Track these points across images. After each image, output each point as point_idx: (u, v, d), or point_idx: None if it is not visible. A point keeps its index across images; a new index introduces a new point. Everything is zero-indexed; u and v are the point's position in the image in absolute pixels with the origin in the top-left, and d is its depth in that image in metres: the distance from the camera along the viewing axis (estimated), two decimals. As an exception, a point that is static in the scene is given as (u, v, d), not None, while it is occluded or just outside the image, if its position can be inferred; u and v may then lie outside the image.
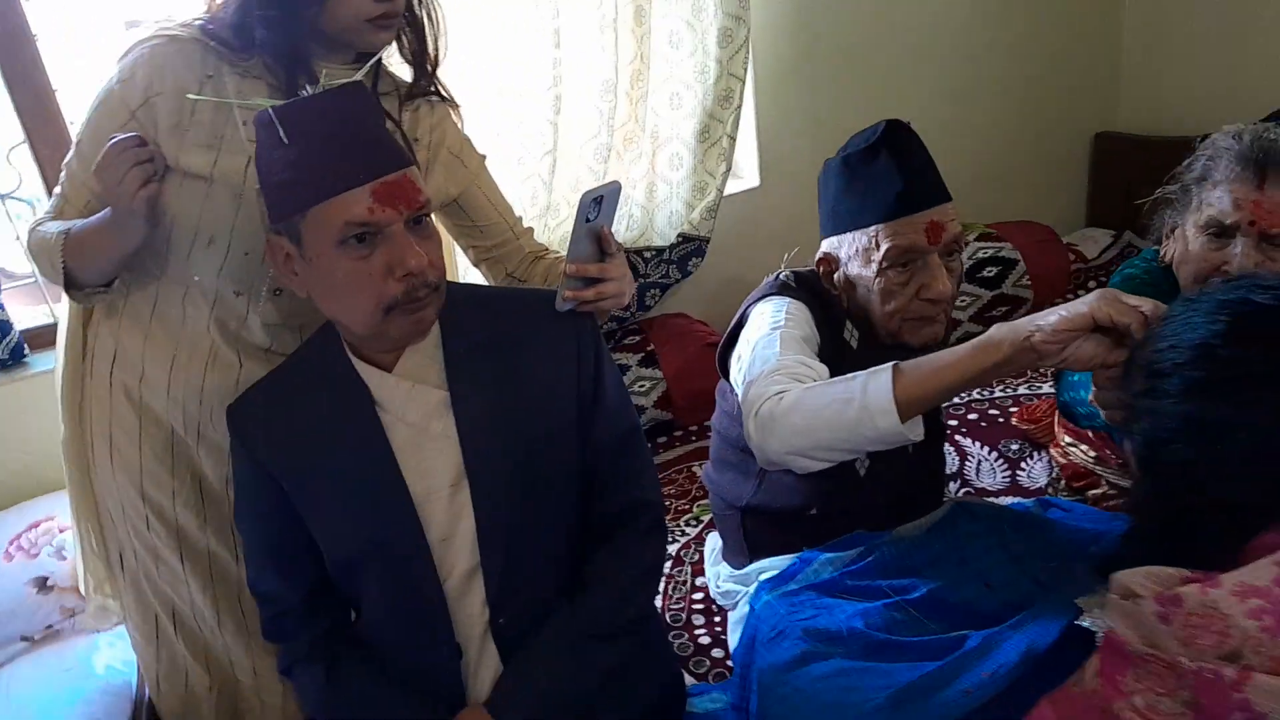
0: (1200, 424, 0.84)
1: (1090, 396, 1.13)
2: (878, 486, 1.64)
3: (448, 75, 1.51)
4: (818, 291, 1.55)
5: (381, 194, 1.09)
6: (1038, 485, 2.19)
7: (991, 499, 2.14)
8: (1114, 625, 0.85)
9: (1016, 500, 2.04)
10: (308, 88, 1.12)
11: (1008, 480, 2.23)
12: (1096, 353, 1.05)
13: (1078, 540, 1.59)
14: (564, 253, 1.57)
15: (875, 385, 1.16)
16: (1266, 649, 0.74)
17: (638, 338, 2.62)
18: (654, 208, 2.63)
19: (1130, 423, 0.92)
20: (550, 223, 2.46)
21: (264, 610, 1.34)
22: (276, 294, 1.41)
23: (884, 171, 1.45)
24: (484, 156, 1.58)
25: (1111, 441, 1.81)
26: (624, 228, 2.60)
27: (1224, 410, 0.82)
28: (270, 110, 1.09)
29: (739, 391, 1.42)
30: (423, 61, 1.44)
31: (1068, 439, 2.04)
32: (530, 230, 1.64)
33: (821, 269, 1.57)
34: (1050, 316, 1.08)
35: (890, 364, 1.17)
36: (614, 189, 1.26)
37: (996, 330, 1.12)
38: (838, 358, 1.46)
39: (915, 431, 1.18)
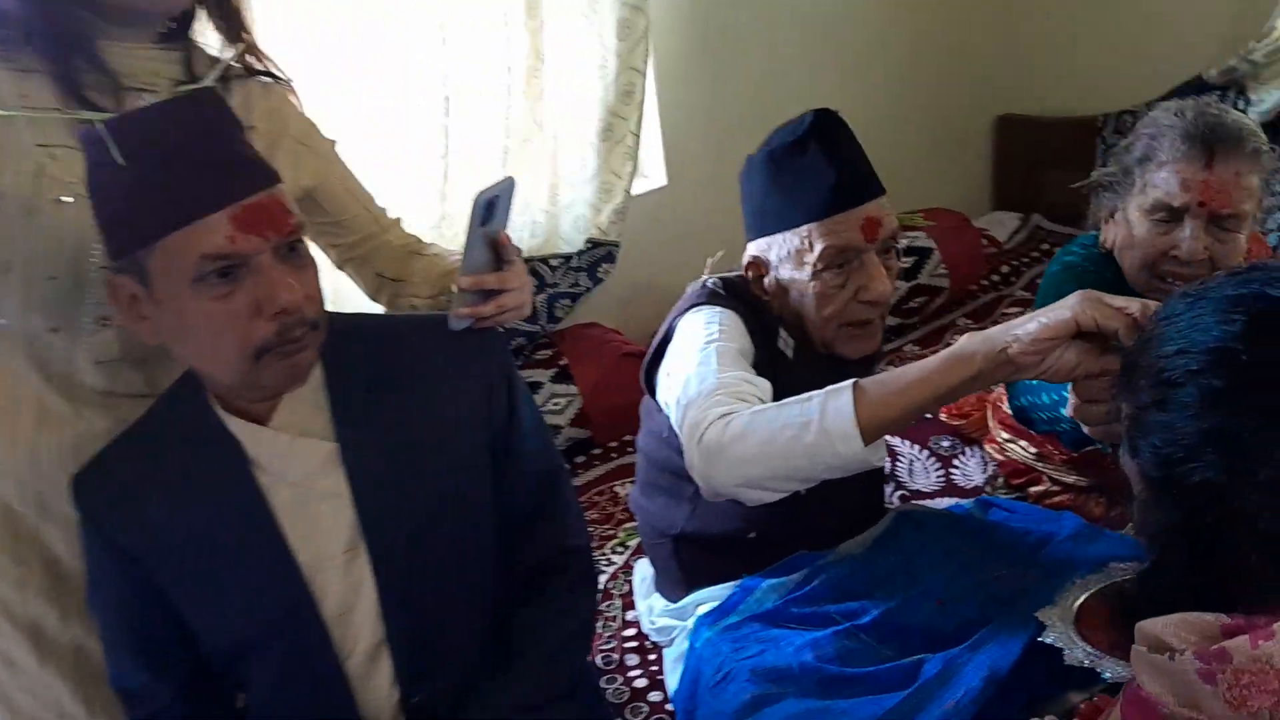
0: (1227, 440, 0.73)
1: (1069, 409, 1.04)
2: (820, 503, 1.53)
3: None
4: (748, 299, 1.45)
5: (243, 219, 0.94)
6: (974, 484, 2.13)
7: (928, 501, 2.08)
8: (1142, 683, 0.74)
9: (955, 502, 1.98)
10: (134, 96, 0.93)
11: (942, 480, 2.17)
12: (1080, 362, 0.97)
13: (1026, 545, 1.54)
14: (445, 248, 1.41)
15: (835, 407, 1.05)
16: None
17: (549, 352, 2.49)
18: (558, 212, 2.50)
19: (1135, 439, 0.81)
20: (446, 233, 2.31)
21: (132, 711, 1.17)
22: (104, 324, 1.20)
23: (814, 165, 1.35)
24: (334, 142, 1.40)
25: (1054, 438, 1.74)
26: (527, 234, 2.47)
27: (1255, 423, 0.72)
28: (101, 125, 0.92)
29: (670, 412, 1.31)
30: (236, 29, 1.23)
31: (1004, 434, 1.97)
32: (398, 221, 1.46)
33: (750, 274, 1.47)
34: (1028, 324, 0.98)
35: (850, 382, 1.07)
36: (508, 186, 1.13)
37: (968, 341, 1.02)
38: (773, 370, 1.36)
39: (878, 456, 1.09)
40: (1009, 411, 1.92)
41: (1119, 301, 0.95)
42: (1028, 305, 2.90)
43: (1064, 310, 0.96)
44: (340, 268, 1.45)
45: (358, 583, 1.10)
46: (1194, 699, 0.69)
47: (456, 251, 1.37)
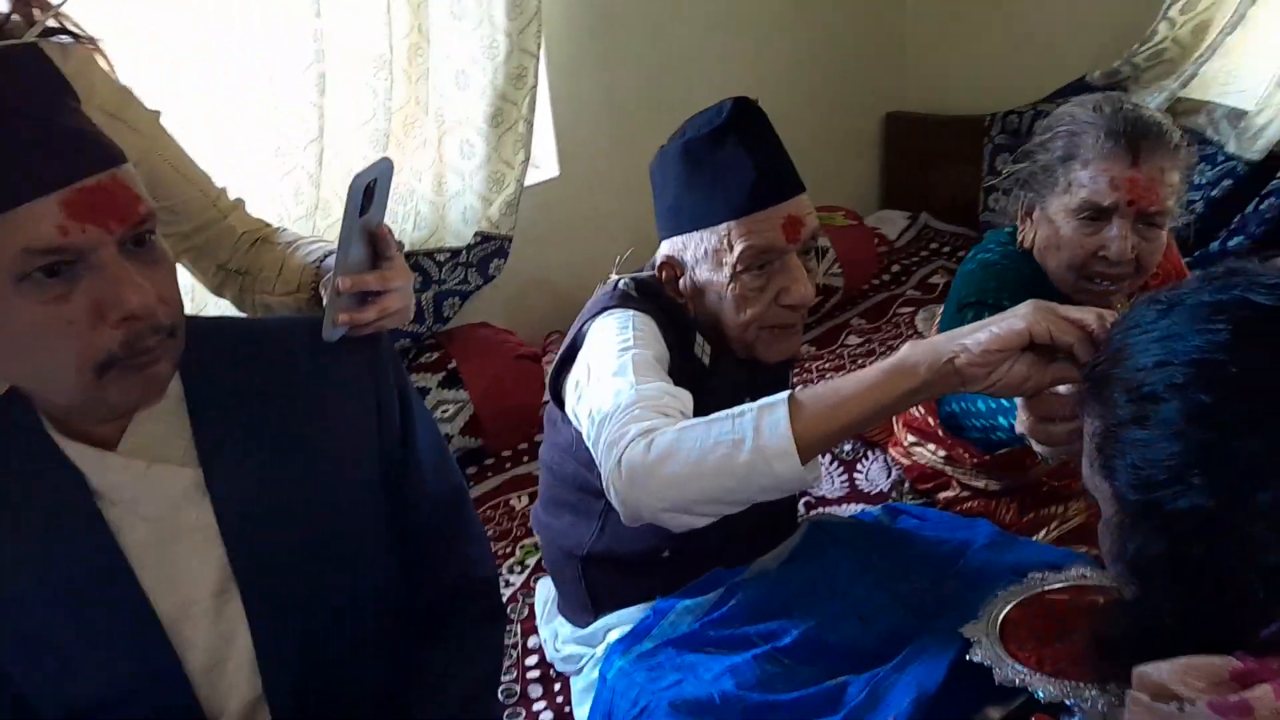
0: (1217, 461, 0.67)
1: (1021, 427, 0.97)
2: (736, 516, 1.46)
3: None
4: (662, 301, 1.35)
5: (78, 205, 0.78)
6: (878, 489, 2.12)
7: (834, 509, 2.05)
8: None
9: (862, 509, 1.95)
10: None
11: (846, 486, 2.15)
12: (1030, 376, 0.90)
13: (942, 555, 1.51)
14: (298, 233, 1.25)
15: (770, 423, 0.97)
16: None
17: (435, 355, 2.35)
18: (445, 203, 2.35)
19: (1111, 458, 0.74)
20: (320, 223, 2.14)
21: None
22: None
23: (733, 159, 1.27)
24: (157, 113, 1.22)
25: (965, 441, 1.70)
26: (411, 226, 2.32)
27: (1249, 442, 0.65)
28: None
29: (581, 425, 1.22)
30: None
31: (911, 438, 1.94)
32: (241, 203, 1.28)
33: (664, 274, 1.37)
34: (978, 334, 0.91)
35: (784, 395, 0.99)
36: (385, 169, 0.98)
37: (910, 351, 0.94)
38: (690, 377, 1.28)
39: (814, 475, 1.00)
40: (917, 415, 1.88)
41: (1074, 313, 0.89)
42: (920, 304, 2.92)
43: (1016, 320, 0.90)
44: (176, 260, 1.26)
45: (229, 631, 0.97)
46: None
47: (312, 239, 1.21)
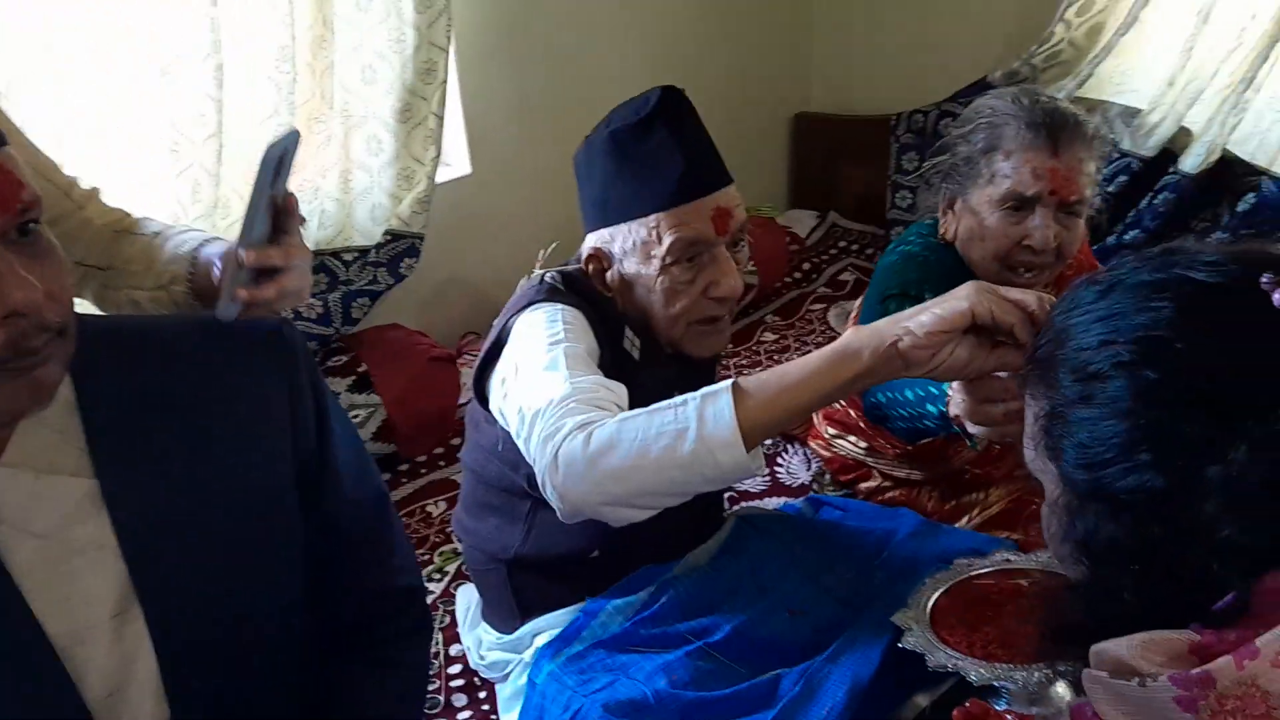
0: (1166, 439, 0.67)
1: (958, 409, 0.97)
2: (666, 512, 1.45)
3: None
4: (590, 295, 1.33)
5: None
6: (800, 481, 2.13)
7: (757, 502, 2.05)
8: (1102, 712, 0.66)
9: (785, 501, 1.96)
10: None
11: (768, 479, 2.16)
12: (974, 358, 0.90)
13: (868, 545, 1.53)
14: (163, 222, 1.16)
15: (713, 412, 0.95)
16: None
17: (344, 358, 2.26)
18: (351, 200, 2.27)
19: (1057, 439, 0.74)
20: (220, 222, 2.05)
21: None
22: None
23: (661, 149, 1.26)
24: None
25: (887, 432, 1.71)
26: (316, 225, 2.23)
27: (1198, 419, 0.66)
28: None
29: (510, 423, 1.18)
30: None
31: (831, 430, 1.95)
32: (96, 192, 1.19)
33: (590, 268, 1.35)
34: (921, 316, 0.91)
35: (727, 384, 0.98)
36: (293, 140, 0.94)
37: (854, 336, 0.94)
38: (620, 372, 1.26)
39: (758, 464, 0.99)
40: (838, 407, 1.89)
41: (1014, 294, 0.89)
42: (830, 301, 2.96)
43: (959, 302, 0.90)
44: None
45: (131, 654, 0.89)
46: None
47: (182, 227, 1.13)
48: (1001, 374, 0.92)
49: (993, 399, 0.94)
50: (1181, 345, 0.67)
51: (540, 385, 1.11)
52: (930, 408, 1.25)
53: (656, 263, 1.27)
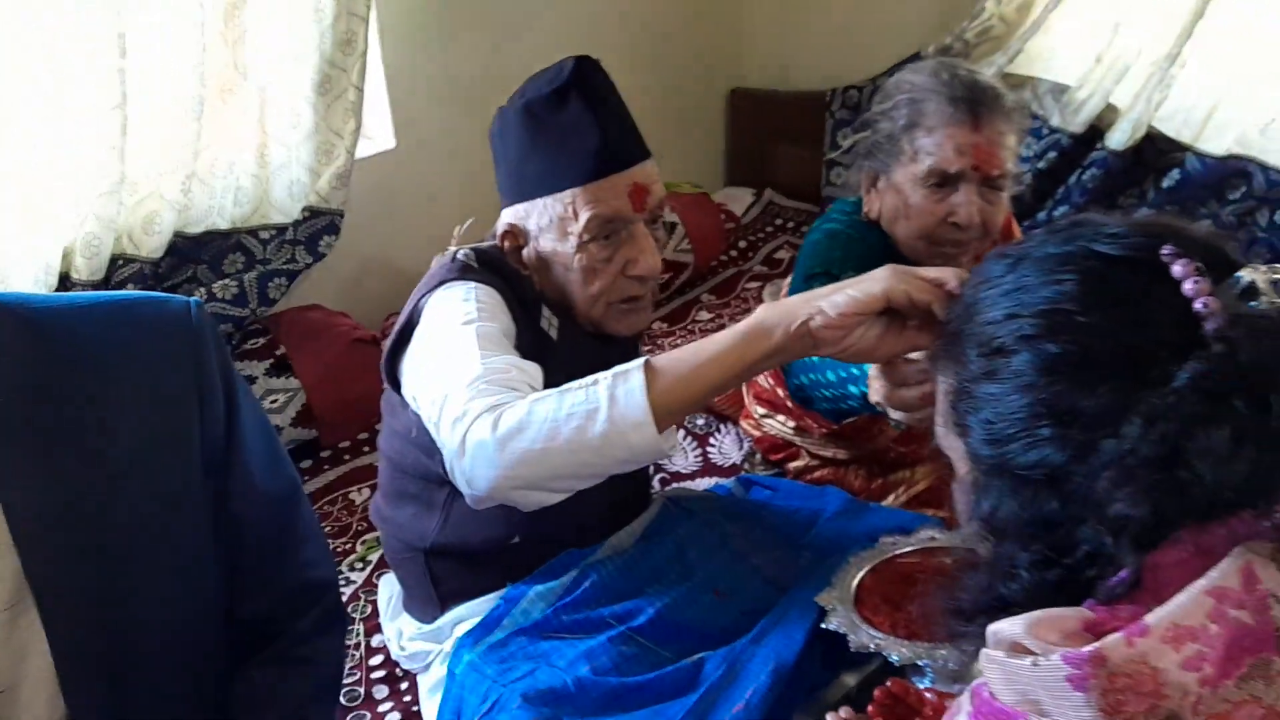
0: (1065, 412, 0.66)
1: (875, 395, 0.96)
2: (588, 494, 1.44)
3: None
4: (505, 272, 1.30)
5: None
6: (731, 462, 2.14)
7: (688, 483, 2.05)
8: (996, 693, 0.66)
9: (716, 482, 1.96)
10: None
11: (700, 459, 2.17)
12: (883, 340, 0.91)
13: (795, 525, 1.52)
14: None
15: (625, 391, 0.94)
16: (1207, 706, 0.60)
17: (262, 340, 2.21)
18: (268, 176, 2.21)
19: (965, 414, 0.74)
20: (128, 199, 1.98)
21: None
22: None
23: (577, 122, 1.24)
24: None
25: (814, 412, 1.71)
26: (230, 202, 2.17)
27: (1096, 392, 0.65)
28: None
29: (421, 407, 1.16)
30: None
31: (760, 410, 1.95)
32: None
33: (506, 244, 1.32)
34: (834, 296, 0.90)
35: (639, 362, 0.96)
36: None
37: (766, 314, 0.94)
38: (537, 352, 1.24)
39: (671, 444, 0.98)
40: (766, 386, 1.89)
41: (930, 273, 0.89)
42: (767, 280, 2.96)
43: (874, 284, 0.90)
44: None
45: (22, 649, 0.88)
46: (1058, 708, 0.61)
47: None
48: (915, 357, 0.91)
49: (908, 383, 0.94)
50: (1083, 318, 0.67)
51: (450, 367, 1.09)
52: (852, 389, 1.25)
53: (574, 240, 1.24)
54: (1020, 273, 0.72)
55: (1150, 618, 0.61)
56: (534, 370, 1.12)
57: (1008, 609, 0.69)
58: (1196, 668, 0.59)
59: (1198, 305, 0.63)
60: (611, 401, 0.94)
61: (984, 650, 0.68)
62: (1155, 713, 0.59)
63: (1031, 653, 0.64)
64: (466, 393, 1.03)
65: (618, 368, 0.96)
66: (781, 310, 0.92)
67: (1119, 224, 0.70)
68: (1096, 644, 0.61)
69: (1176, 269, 0.65)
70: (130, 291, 1.04)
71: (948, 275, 0.87)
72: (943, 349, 0.79)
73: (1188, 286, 0.64)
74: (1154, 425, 0.62)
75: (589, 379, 0.97)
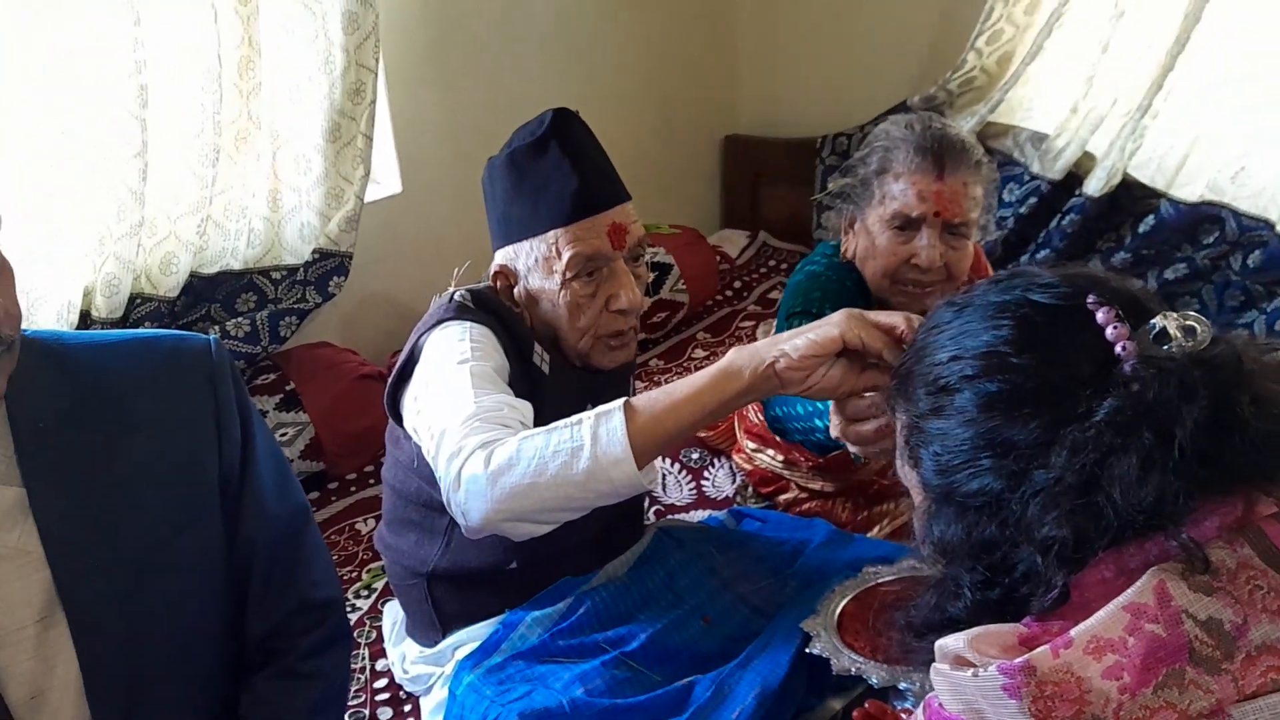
0: (1002, 445, 0.73)
1: (834, 430, 1.03)
2: (583, 523, 1.49)
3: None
4: (499, 311, 1.36)
5: None
6: (725, 494, 2.17)
7: (682, 515, 2.08)
8: (944, 703, 0.71)
9: (709, 514, 2.00)
10: None
11: (694, 492, 2.19)
12: (844, 379, 0.98)
13: (782, 555, 1.57)
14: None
15: (606, 430, 1.00)
16: (1127, 711, 0.64)
17: (273, 375, 2.25)
18: (280, 219, 2.27)
19: (916, 448, 0.80)
20: (146, 242, 2.04)
21: None
22: None
23: (556, 168, 1.31)
24: None
25: (798, 445, 1.77)
26: (244, 244, 2.22)
27: (1028, 427, 0.72)
28: None
29: (421, 440, 1.21)
30: None
31: (751, 444, 2.00)
32: None
33: (498, 283, 1.39)
34: (796, 340, 0.97)
35: (620, 403, 1.02)
36: None
37: (736, 356, 1.00)
38: (530, 387, 1.30)
39: (650, 479, 1.04)
40: (757, 421, 1.95)
41: (883, 319, 0.96)
42: (760, 319, 3.02)
43: (831, 328, 0.97)
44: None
45: (53, 658, 0.92)
46: (997, 715, 0.67)
47: None
48: (869, 393, 0.98)
49: (860, 417, 1.00)
50: (1017, 360, 0.73)
51: (447, 404, 1.14)
52: (818, 422, 1.31)
53: (558, 277, 1.31)
54: (965, 318, 0.79)
55: (1074, 631, 0.66)
56: (525, 408, 1.17)
57: (954, 625, 0.75)
58: (1117, 676, 0.64)
59: (1118, 349, 0.70)
60: (594, 440, 0.99)
61: (934, 665, 0.73)
62: (1081, 717, 0.64)
63: (973, 665, 0.69)
64: (461, 430, 1.08)
65: (601, 408, 1.02)
66: (750, 353, 0.99)
67: (1050, 275, 0.77)
68: (1026, 655, 0.66)
69: (1100, 316, 0.72)
70: (155, 330, 1.10)
71: (898, 320, 0.94)
72: (896, 388, 0.85)
73: (1109, 332, 0.71)
74: (1076, 455, 0.68)
75: (574, 418, 1.02)
